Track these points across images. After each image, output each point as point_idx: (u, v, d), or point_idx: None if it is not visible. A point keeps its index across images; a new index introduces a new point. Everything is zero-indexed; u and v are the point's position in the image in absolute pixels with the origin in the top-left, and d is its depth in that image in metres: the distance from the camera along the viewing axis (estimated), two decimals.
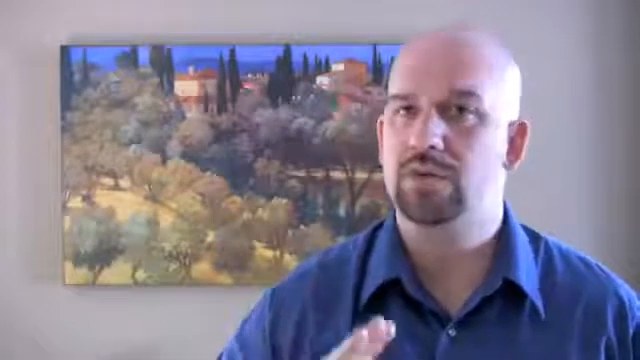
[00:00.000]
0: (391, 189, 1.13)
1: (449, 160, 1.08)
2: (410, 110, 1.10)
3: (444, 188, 1.08)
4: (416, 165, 1.08)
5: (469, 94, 1.09)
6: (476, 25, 1.17)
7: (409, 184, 1.09)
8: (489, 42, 1.14)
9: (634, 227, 2.98)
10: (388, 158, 1.13)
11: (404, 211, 1.12)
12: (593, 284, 1.17)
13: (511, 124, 1.14)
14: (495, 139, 1.12)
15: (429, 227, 1.11)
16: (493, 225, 1.17)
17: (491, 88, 1.10)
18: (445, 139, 1.08)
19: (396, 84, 1.13)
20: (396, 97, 1.12)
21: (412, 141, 1.08)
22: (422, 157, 1.07)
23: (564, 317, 1.13)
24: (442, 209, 1.09)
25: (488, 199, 1.14)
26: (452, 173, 1.08)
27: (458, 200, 1.09)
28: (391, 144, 1.12)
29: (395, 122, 1.12)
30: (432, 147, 1.07)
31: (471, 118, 1.09)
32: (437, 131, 1.07)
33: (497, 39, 1.16)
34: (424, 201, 1.08)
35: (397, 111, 1.11)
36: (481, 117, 1.09)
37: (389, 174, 1.13)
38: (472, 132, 1.09)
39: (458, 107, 1.09)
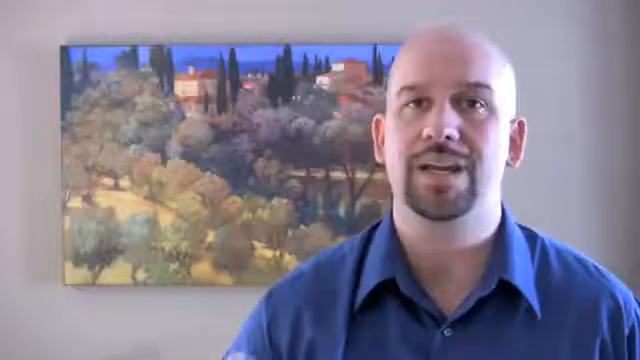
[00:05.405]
0: (399, 184, 1.11)
1: (465, 150, 1.08)
2: (420, 103, 1.10)
3: (461, 182, 1.08)
4: (432, 156, 1.08)
5: (484, 87, 1.09)
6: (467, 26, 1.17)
7: (424, 180, 1.08)
8: (487, 40, 1.15)
9: (634, 223, 2.98)
10: (396, 151, 1.11)
11: (415, 207, 1.10)
12: (588, 284, 1.16)
13: (512, 122, 1.16)
14: (503, 134, 1.12)
15: (441, 222, 1.11)
16: (492, 224, 1.16)
17: (498, 83, 1.11)
18: (460, 130, 1.08)
19: (406, 77, 1.11)
20: (408, 89, 1.10)
21: (427, 132, 1.07)
22: (439, 148, 1.07)
23: (558, 317, 1.13)
24: (457, 203, 1.08)
25: (491, 195, 1.14)
26: (469, 163, 1.08)
27: (473, 192, 1.09)
28: (400, 137, 1.11)
29: (403, 115, 1.11)
30: (448, 138, 1.07)
31: (482, 111, 1.09)
32: (453, 122, 1.07)
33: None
34: (440, 197, 1.08)
35: (405, 104, 1.11)
36: (491, 110, 1.10)
37: (397, 167, 1.11)
38: (484, 125, 1.09)
39: (470, 100, 1.09)
